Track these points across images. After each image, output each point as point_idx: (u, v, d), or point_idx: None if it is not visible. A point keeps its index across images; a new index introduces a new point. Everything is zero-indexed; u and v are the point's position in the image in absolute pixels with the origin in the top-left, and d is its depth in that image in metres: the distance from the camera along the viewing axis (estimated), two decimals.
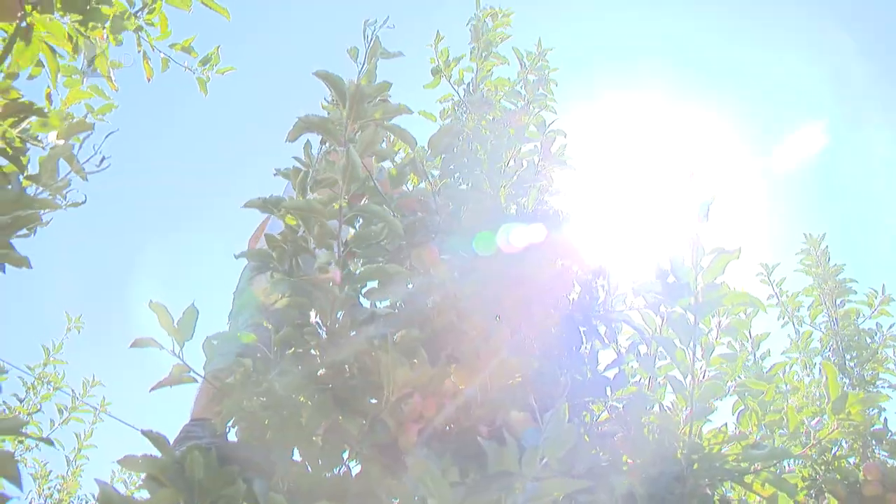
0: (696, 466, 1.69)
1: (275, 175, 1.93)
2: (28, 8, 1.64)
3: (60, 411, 4.50)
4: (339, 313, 1.66)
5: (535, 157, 2.35)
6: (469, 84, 2.81)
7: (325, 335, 1.61)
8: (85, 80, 2.02)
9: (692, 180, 1.90)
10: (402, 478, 1.47)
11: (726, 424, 2.02)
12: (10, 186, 1.23)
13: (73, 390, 4.58)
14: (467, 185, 2.03)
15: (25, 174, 1.56)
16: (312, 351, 1.64)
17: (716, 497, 1.73)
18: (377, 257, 1.80)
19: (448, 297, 1.83)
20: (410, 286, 1.84)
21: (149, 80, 2.14)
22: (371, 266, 1.60)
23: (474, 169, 2.05)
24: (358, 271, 1.70)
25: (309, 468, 1.53)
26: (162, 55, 2.18)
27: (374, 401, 1.64)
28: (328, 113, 2.44)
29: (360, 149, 1.66)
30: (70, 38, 1.77)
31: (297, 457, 1.61)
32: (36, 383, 4.41)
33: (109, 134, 1.59)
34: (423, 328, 1.77)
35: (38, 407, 4.33)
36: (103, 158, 1.47)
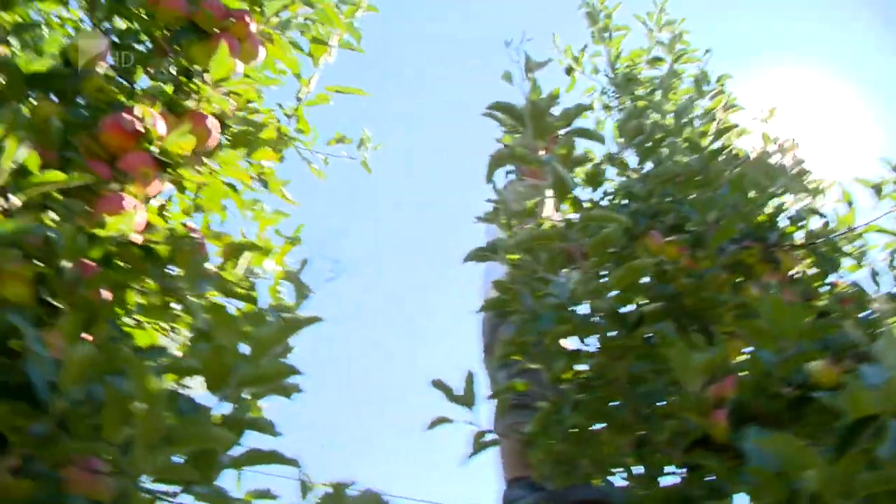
0: None
1: (476, 222, 1.91)
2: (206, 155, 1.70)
3: None
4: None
5: (713, 108, 2.25)
6: (606, 69, 2.75)
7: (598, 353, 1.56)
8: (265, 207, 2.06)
9: None
10: (741, 466, 1.38)
11: None
12: (271, 319, 1.23)
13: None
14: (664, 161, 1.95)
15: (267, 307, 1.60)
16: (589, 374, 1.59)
17: None
18: (607, 262, 1.74)
19: (691, 274, 1.76)
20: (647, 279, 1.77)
21: (323, 181, 2.17)
22: (619, 270, 1.53)
23: (662, 143, 1.97)
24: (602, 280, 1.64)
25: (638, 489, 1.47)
26: (320, 155, 2.22)
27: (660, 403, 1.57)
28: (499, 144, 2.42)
29: (559, 159, 1.62)
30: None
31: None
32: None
33: (327, 242, 1.61)
34: (676, 315, 1.70)
35: None
36: (336, 262, 1.47)
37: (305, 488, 0.99)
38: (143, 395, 0.95)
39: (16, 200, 1.21)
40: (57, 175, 1.24)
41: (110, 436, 1.02)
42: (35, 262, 1.21)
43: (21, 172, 1.22)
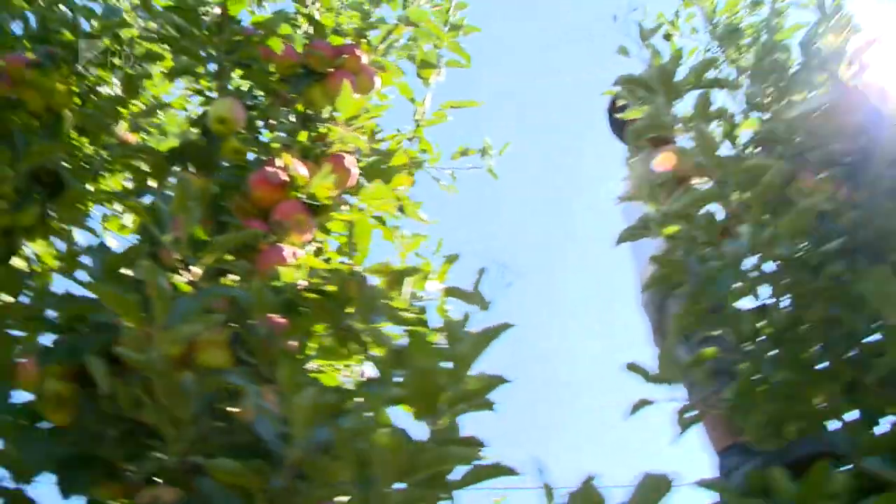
0: None
1: (618, 203, 1.88)
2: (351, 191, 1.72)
3: None
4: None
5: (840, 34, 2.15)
6: (705, 27, 2.68)
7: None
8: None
9: None
10: None
11: None
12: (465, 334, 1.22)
13: None
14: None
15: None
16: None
17: None
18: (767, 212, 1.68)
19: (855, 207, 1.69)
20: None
21: (455, 194, 2.18)
22: (790, 215, 1.47)
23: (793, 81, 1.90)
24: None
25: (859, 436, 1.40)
26: (446, 170, 2.22)
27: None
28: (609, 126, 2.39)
29: (699, 118, 1.57)
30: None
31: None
32: None
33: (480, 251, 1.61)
34: (851, 251, 1.62)
35: None
36: (506, 268, 1.46)
37: (549, 493, 0.97)
38: (379, 429, 0.95)
39: (197, 270, 1.24)
40: (227, 238, 1.27)
41: (346, 476, 1.03)
42: (227, 325, 1.24)
43: (194, 243, 1.25)
